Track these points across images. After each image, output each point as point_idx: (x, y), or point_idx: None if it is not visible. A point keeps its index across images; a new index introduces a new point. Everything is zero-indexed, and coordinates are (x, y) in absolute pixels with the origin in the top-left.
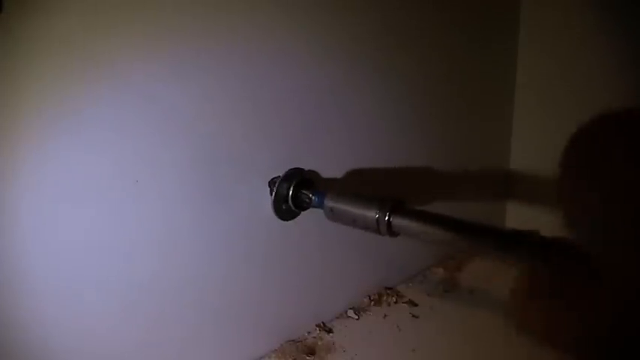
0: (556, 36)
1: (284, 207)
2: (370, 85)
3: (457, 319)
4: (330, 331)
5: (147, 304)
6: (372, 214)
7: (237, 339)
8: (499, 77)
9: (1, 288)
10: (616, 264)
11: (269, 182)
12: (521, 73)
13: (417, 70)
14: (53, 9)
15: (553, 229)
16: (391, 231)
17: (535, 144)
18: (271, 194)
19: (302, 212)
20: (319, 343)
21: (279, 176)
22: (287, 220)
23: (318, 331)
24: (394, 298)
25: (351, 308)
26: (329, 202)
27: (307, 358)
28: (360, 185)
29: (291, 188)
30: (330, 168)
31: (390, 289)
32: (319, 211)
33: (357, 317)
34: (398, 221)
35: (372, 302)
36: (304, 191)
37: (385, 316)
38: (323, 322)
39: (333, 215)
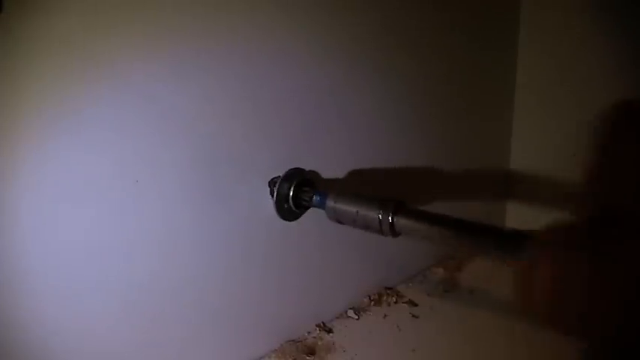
0: (556, 36)
1: (285, 207)
2: (370, 85)
3: (457, 319)
4: (330, 331)
5: (147, 304)
6: (375, 214)
7: (237, 339)
8: (499, 77)
9: (1, 288)
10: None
11: (269, 182)
12: (521, 73)
13: (417, 70)
14: (53, 9)
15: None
16: (394, 231)
17: (535, 144)
18: (272, 194)
19: (304, 212)
20: (319, 343)
21: (279, 176)
22: (288, 220)
23: (318, 331)
24: (394, 298)
25: (351, 308)
26: (331, 202)
27: (307, 358)
28: (361, 185)
29: (292, 188)
30: (330, 168)
31: (390, 289)
32: (319, 211)
33: (357, 317)
34: (400, 221)
35: (372, 302)
36: (305, 191)
37: (385, 316)
38: (323, 322)
39: (335, 215)
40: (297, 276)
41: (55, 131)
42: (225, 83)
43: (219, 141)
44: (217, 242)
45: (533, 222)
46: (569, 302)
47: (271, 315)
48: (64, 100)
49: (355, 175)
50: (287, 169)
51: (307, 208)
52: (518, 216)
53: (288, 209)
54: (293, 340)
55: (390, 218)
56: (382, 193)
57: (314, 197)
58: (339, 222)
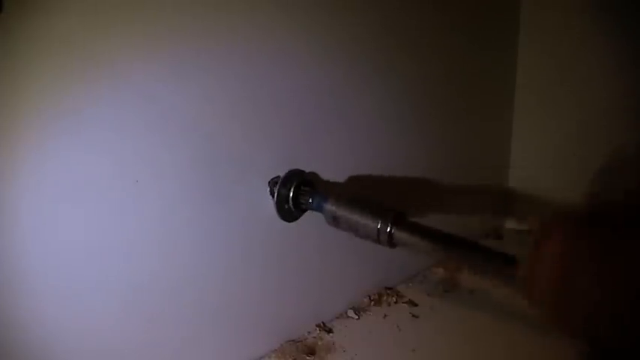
0: (556, 36)
1: (286, 207)
2: (370, 86)
3: (457, 319)
4: (330, 331)
5: (146, 304)
6: (374, 225)
7: (236, 339)
8: (499, 78)
9: (1, 288)
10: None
11: (269, 182)
12: (521, 74)
13: (417, 71)
14: (53, 9)
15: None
16: (391, 242)
17: (535, 144)
18: (272, 195)
19: (302, 215)
20: (319, 343)
21: (279, 176)
22: (288, 220)
23: (318, 331)
24: (394, 298)
25: (351, 308)
26: (329, 208)
27: (307, 358)
28: (360, 187)
29: (292, 189)
30: (330, 169)
31: (390, 289)
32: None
33: (357, 317)
34: (399, 234)
35: (372, 302)
36: (304, 193)
37: (385, 316)
38: (323, 322)
39: (334, 221)
40: (297, 276)
41: (54, 131)
42: (225, 83)
43: (219, 141)
44: (217, 242)
45: (533, 222)
46: (575, 293)
47: (271, 315)
48: (63, 100)
49: (354, 176)
50: (287, 170)
51: (305, 210)
52: (518, 217)
53: (288, 210)
54: (293, 340)
55: (388, 230)
56: (381, 195)
57: (313, 201)
58: (337, 228)
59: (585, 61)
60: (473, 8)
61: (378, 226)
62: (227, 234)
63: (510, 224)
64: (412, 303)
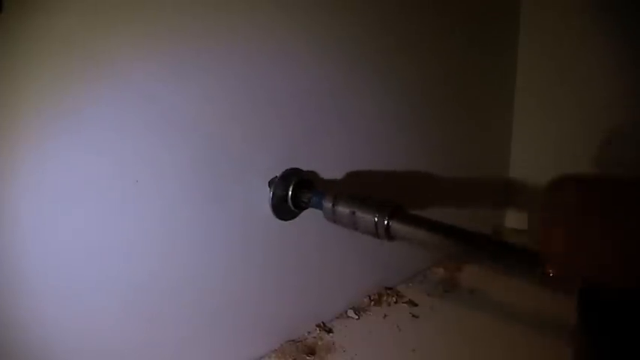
0: (556, 37)
1: (283, 206)
2: (370, 87)
3: (457, 319)
4: (330, 331)
5: (146, 304)
6: (371, 218)
7: (236, 339)
8: (499, 79)
9: (1, 288)
10: None
11: (269, 182)
12: (521, 75)
13: (417, 72)
14: (53, 9)
15: None
16: (389, 235)
17: (535, 144)
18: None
19: (301, 212)
20: (319, 343)
21: (277, 176)
22: (286, 219)
23: (318, 331)
24: (394, 298)
25: (351, 308)
26: (328, 203)
27: (307, 358)
28: (359, 187)
29: (290, 188)
30: (329, 169)
31: (390, 289)
32: (318, 211)
33: (357, 317)
34: (396, 226)
35: (372, 302)
36: (303, 191)
37: (385, 316)
38: (323, 322)
39: (333, 216)
40: (297, 276)
41: (54, 131)
42: (225, 83)
43: (218, 141)
44: (217, 242)
45: (533, 221)
46: (589, 242)
47: (271, 315)
48: (63, 100)
49: (354, 176)
50: (285, 169)
51: (305, 208)
52: (518, 217)
53: (286, 209)
54: (293, 340)
55: (385, 222)
56: (381, 195)
57: (312, 197)
58: (336, 223)
59: (585, 61)
60: (473, 9)
61: (376, 219)
62: (227, 234)
63: (510, 224)
64: (412, 303)
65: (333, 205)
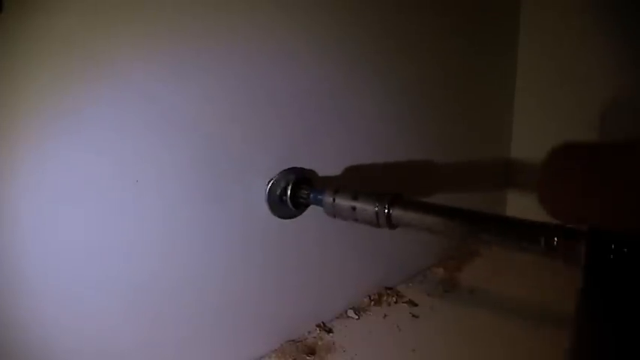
0: (556, 37)
1: (281, 205)
2: (370, 88)
3: (457, 319)
4: (330, 331)
5: (146, 304)
6: (371, 207)
7: (236, 339)
8: (499, 79)
9: (1, 288)
10: None
11: (269, 182)
12: (521, 75)
13: (417, 73)
14: (53, 9)
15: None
16: (390, 223)
17: (535, 145)
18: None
19: (302, 212)
20: (319, 343)
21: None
22: (285, 218)
23: (318, 331)
24: (394, 298)
25: (351, 308)
26: (328, 197)
27: (307, 358)
28: (359, 186)
29: (290, 186)
30: (330, 169)
31: (390, 289)
32: (319, 211)
33: (357, 317)
34: (397, 213)
35: (372, 302)
36: (303, 189)
37: (385, 316)
38: (323, 322)
39: (334, 210)
40: (296, 276)
41: (54, 131)
42: (225, 83)
43: (218, 141)
44: (217, 242)
45: (534, 214)
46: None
47: (271, 315)
48: (63, 100)
49: (354, 175)
50: (284, 169)
51: (306, 205)
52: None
53: (285, 207)
54: (293, 340)
55: (386, 210)
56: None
57: (311, 194)
58: (337, 217)
59: (585, 61)
60: (473, 9)
61: (376, 209)
62: (227, 234)
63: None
64: (412, 303)
65: (334, 200)
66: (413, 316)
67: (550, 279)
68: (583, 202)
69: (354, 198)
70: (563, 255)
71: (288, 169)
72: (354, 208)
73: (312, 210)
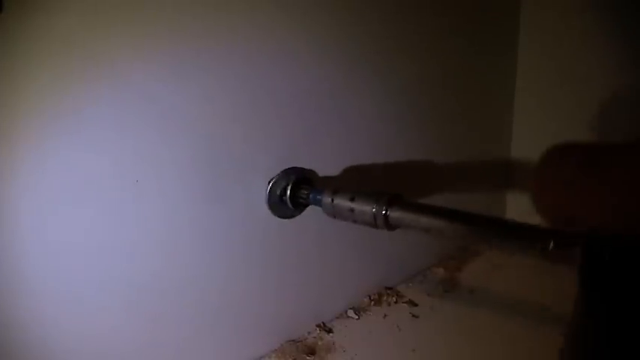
0: (556, 37)
1: (281, 205)
2: (370, 88)
3: (457, 319)
4: (330, 331)
5: (147, 304)
6: (369, 208)
7: (237, 339)
8: (499, 79)
9: (1, 288)
10: None
11: (269, 182)
12: (521, 75)
13: (417, 72)
14: (53, 9)
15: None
16: (388, 224)
17: (535, 145)
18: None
19: (301, 212)
20: (319, 343)
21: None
22: (285, 218)
23: (318, 331)
24: (394, 298)
25: (351, 308)
26: (327, 198)
27: (307, 358)
28: (359, 185)
29: (289, 186)
30: (329, 169)
31: (390, 289)
32: (319, 211)
33: (357, 317)
34: (394, 215)
35: (372, 302)
36: (302, 188)
37: (385, 316)
38: (323, 322)
39: (333, 210)
40: (297, 276)
41: (54, 130)
42: (225, 83)
43: (219, 141)
44: (218, 242)
45: (534, 215)
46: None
47: (271, 315)
48: (63, 100)
49: (354, 175)
50: (284, 168)
51: (305, 205)
52: (518, 218)
53: (285, 207)
54: (293, 340)
55: (383, 212)
56: None
57: (311, 194)
58: (337, 218)
59: (585, 61)
60: (473, 9)
61: (374, 210)
62: (228, 234)
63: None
64: (412, 303)
65: (333, 200)
66: (413, 316)
67: (550, 279)
68: (577, 202)
69: (352, 199)
70: (560, 257)
71: (289, 168)
72: (352, 210)
73: (313, 210)
